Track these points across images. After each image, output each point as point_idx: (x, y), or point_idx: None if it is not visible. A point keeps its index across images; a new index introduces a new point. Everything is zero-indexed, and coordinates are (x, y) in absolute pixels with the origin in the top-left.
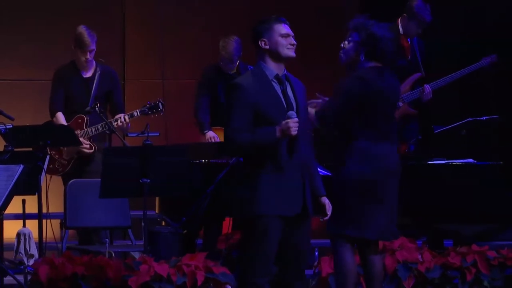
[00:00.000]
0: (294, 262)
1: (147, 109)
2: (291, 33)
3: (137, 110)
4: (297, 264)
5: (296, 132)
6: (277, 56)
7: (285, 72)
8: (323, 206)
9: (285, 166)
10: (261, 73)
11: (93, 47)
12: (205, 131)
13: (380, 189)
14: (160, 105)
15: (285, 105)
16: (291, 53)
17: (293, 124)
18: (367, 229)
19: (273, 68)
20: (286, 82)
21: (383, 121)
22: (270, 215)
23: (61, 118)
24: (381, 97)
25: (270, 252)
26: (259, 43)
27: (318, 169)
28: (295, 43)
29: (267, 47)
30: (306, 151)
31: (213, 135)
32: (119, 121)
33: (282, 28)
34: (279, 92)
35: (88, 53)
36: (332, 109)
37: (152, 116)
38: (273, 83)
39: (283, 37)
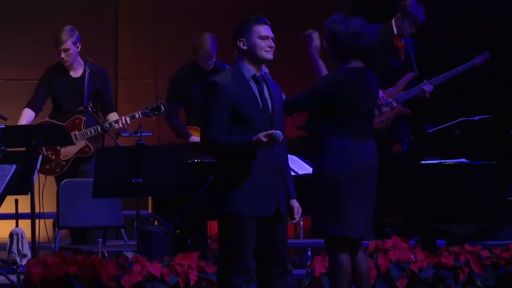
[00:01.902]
0: (272, 262)
1: (149, 111)
2: (271, 35)
3: (139, 112)
4: (276, 264)
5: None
6: (254, 58)
7: (263, 73)
8: (292, 209)
9: (260, 167)
10: (239, 73)
11: (68, 46)
12: (189, 138)
13: (357, 187)
14: (162, 107)
15: (261, 105)
16: (268, 55)
17: (271, 142)
18: (348, 227)
19: (251, 68)
20: (263, 82)
21: (357, 121)
22: (244, 215)
23: (26, 113)
24: (354, 99)
25: (246, 252)
26: (238, 43)
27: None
28: (274, 45)
29: (245, 47)
30: (281, 153)
31: (196, 140)
32: (120, 122)
33: (262, 30)
34: (256, 92)
35: (62, 52)
36: (296, 98)
37: (154, 117)
38: (250, 83)
39: (262, 39)
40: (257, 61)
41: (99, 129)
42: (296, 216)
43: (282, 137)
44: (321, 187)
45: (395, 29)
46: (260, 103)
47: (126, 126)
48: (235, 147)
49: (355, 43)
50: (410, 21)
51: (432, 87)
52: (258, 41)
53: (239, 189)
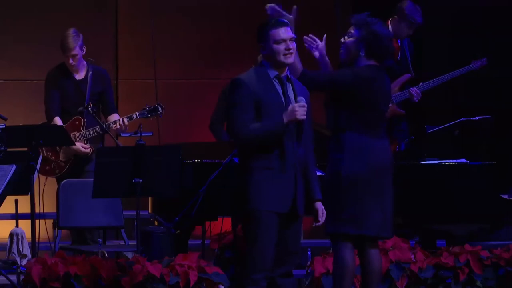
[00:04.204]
0: (282, 261)
1: (146, 112)
2: (288, 36)
3: (137, 113)
4: (285, 263)
5: (303, 117)
6: (274, 62)
7: (288, 74)
8: (316, 211)
9: (279, 164)
10: (263, 72)
11: (76, 52)
12: None
13: (374, 185)
14: (160, 108)
15: (284, 103)
16: (287, 60)
17: (299, 108)
18: (365, 226)
19: (274, 69)
20: (288, 83)
21: (376, 119)
22: (262, 209)
23: (59, 123)
24: (375, 96)
25: (265, 247)
26: (260, 47)
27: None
28: (292, 47)
29: (265, 52)
30: (303, 153)
31: None
32: (117, 123)
33: (277, 34)
34: (280, 91)
35: (70, 58)
36: (318, 74)
37: (152, 119)
38: (274, 82)
39: (278, 44)
40: (277, 65)
41: (98, 130)
42: (320, 219)
43: (304, 101)
44: (338, 185)
45: (391, 30)
46: (284, 101)
47: (124, 127)
48: (265, 132)
49: (390, 45)
50: (407, 23)
51: (420, 92)
52: (275, 46)
53: (257, 185)
